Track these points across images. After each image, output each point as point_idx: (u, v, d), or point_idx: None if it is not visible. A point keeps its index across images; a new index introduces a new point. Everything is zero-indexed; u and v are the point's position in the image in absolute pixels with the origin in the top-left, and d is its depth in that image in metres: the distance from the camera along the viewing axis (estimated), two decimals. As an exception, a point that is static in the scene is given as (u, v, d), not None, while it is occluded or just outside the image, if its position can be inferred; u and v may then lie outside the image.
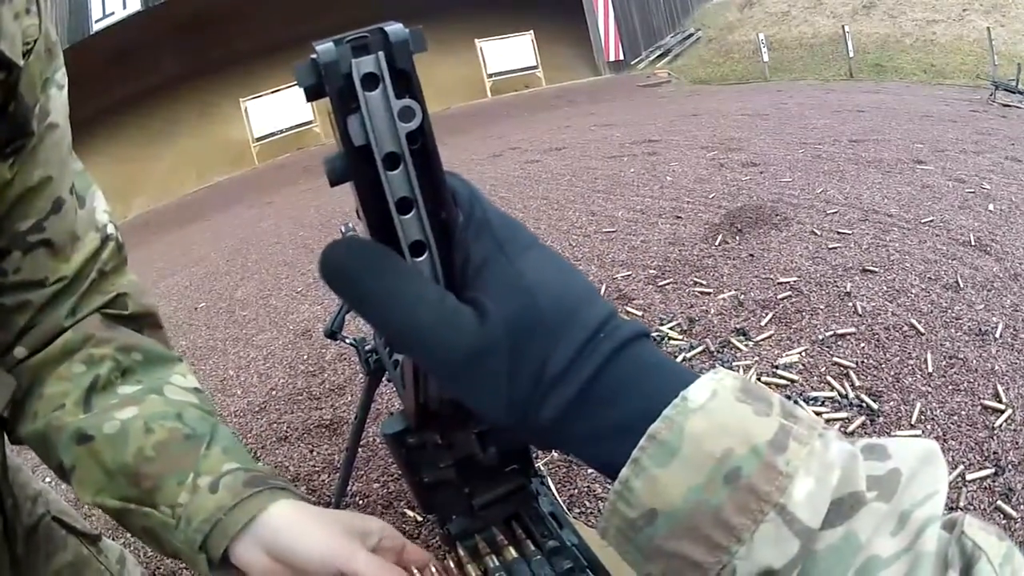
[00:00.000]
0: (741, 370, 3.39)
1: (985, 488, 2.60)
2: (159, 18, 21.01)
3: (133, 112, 23.26)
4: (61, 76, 1.13)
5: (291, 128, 21.32)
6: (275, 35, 23.78)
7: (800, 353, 3.51)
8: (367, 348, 2.03)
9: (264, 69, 22.78)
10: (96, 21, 20.50)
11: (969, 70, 16.51)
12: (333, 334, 2.08)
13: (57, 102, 1.10)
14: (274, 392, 4.60)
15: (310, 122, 21.34)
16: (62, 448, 1.00)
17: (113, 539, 1.48)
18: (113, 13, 20.57)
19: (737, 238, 5.26)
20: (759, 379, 3.32)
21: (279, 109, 21.06)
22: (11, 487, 1.18)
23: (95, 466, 0.98)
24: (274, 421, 4.19)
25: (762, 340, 3.72)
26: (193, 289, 8.00)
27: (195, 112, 23.05)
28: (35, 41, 1.02)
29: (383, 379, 2.24)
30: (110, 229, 1.20)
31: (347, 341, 2.10)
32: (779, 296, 4.17)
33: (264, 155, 20.90)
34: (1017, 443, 2.80)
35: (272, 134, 21.18)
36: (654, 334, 3.93)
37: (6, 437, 1.10)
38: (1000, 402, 3.01)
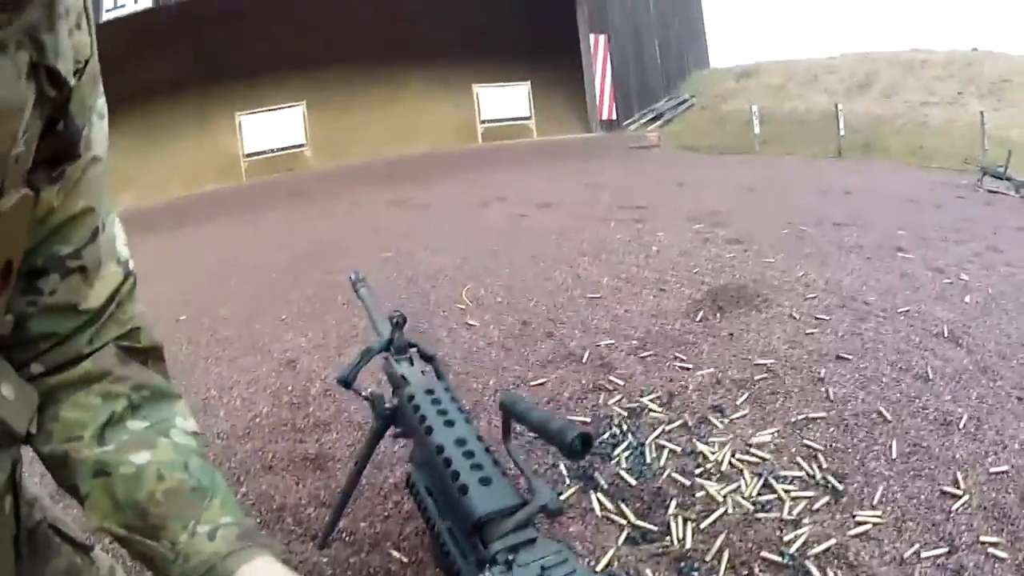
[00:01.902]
0: (716, 446, 3.58)
1: (938, 566, 2.77)
2: (169, 16, 21.13)
3: (134, 106, 23.12)
4: (102, 105, 1.20)
5: (283, 149, 21.43)
6: (280, 52, 23.84)
7: (772, 434, 3.67)
8: (386, 406, 1.93)
9: (264, 85, 22.89)
10: (107, 11, 20.58)
11: (958, 153, 16.69)
12: (347, 383, 2.01)
13: (99, 132, 1.18)
14: (258, 420, 4.59)
15: (301, 145, 21.42)
16: (80, 478, 1.13)
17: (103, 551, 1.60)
18: (124, 6, 20.69)
19: (718, 315, 5.42)
20: (733, 456, 3.48)
21: (273, 128, 21.14)
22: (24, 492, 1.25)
23: (108, 497, 1.12)
24: (258, 448, 4.19)
25: (737, 418, 3.87)
26: (175, 299, 7.94)
27: (193, 118, 23.12)
28: (87, 62, 1.07)
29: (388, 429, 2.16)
30: (131, 264, 1.31)
31: (363, 394, 2.00)
32: (756, 377, 4.32)
33: (252, 172, 21.04)
34: (971, 525, 2.98)
35: (263, 152, 21.33)
36: (635, 405, 4.13)
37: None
38: (958, 488, 3.20)
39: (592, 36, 23.41)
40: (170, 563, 1.09)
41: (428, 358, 1.89)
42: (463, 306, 6.24)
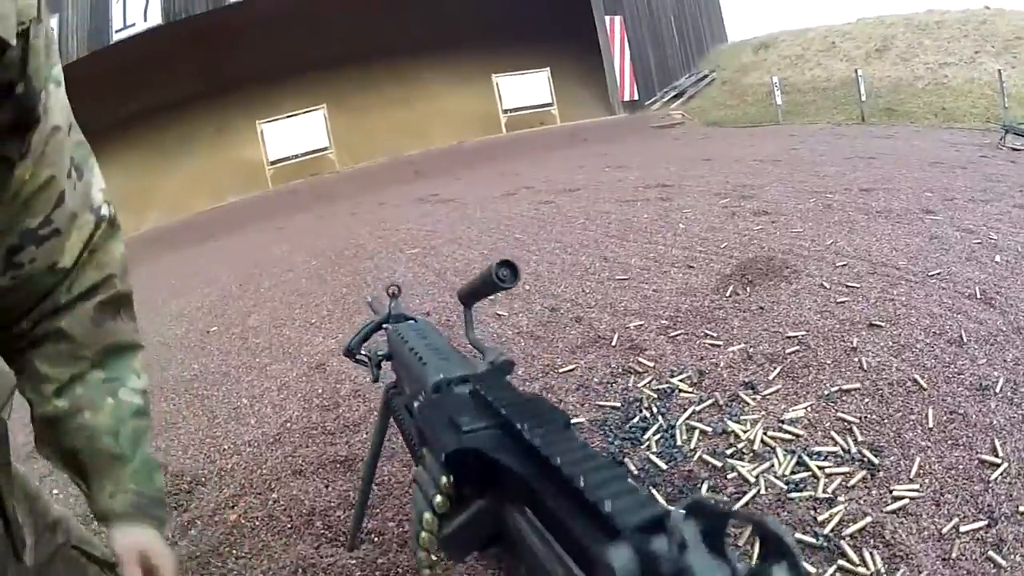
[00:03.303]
0: (748, 424, 3.50)
1: (977, 539, 2.67)
2: (180, 33, 21.33)
3: (149, 125, 23.42)
4: (58, 72, 1.22)
5: (306, 153, 21.66)
6: (294, 58, 23.90)
7: (806, 408, 3.58)
8: (379, 354, 2.11)
9: (281, 92, 23.01)
10: (117, 31, 20.95)
11: (980, 113, 16.56)
12: (351, 352, 2.20)
13: (56, 100, 1.22)
14: (288, 424, 4.62)
15: (325, 148, 21.48)
16: (34, 419, 1.37)
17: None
18: (134, 24, 21.03)
19: (748, 290, 5.34)
20: (765, 434, 3.40)
21: (295, 133, 21.39)
22: (22, 506, 1.40)
23: (51, 441, 1.39)
24: (289, 454, 4.21)
25: (769, 394, 3.79)
26: (205, 311, 8.04)
27: (211, 130, 23.24)
28: (31, 22, 1.06)
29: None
30: (104, 210, 1.40)
31: (360, 355, 2.19)
32: (787, 350, 4.24)
33: (278, 178, 21.14)
34: (1011, 495, 2.87)
35: (287, 158, 21.56)
36: (665, 386, 4.05)
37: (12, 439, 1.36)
38: (997, 456, 3.08)
39: (608, 18, 23.32)
40: (87, 499, 1.40)
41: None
42: (492, 297, 6.17)
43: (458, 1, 24.81)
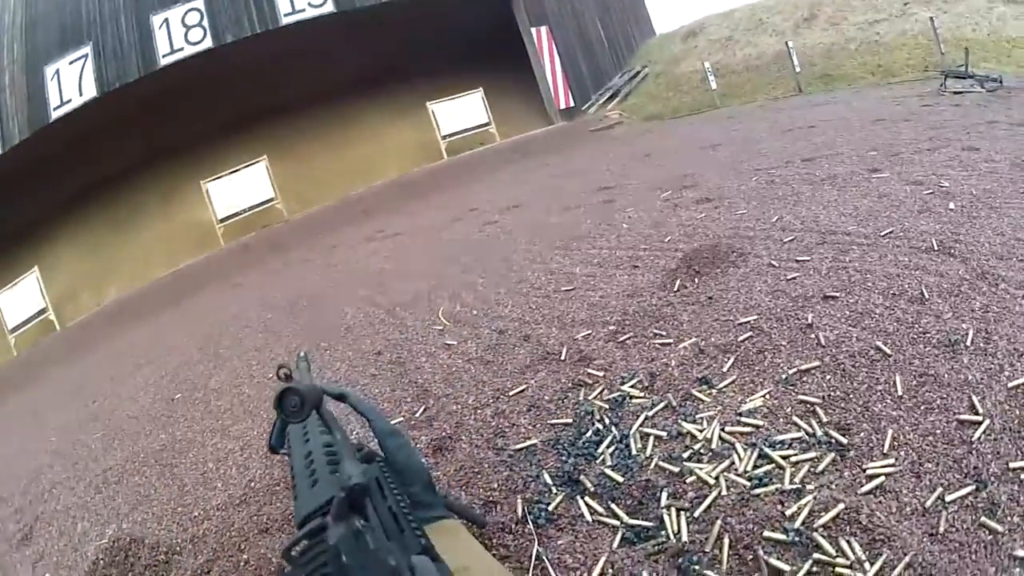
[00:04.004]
0: (704, 423, 3.34)
1: (967, 507, 2.51)
2: (116, 103, 21.43)
3: (98, 199, 23.67)
4: None
5: (253, 207, 21.84)
6: (228, 114, 24.08)
7: (764, 396, 3.42)
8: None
9: (222, 148, 23.30)
10: (55, 108, 21.02)
11: (916, 64, 16.71)
12: (274, 450, 2.04)
13: None
14: (252, 484, 4.54)
15: (271, 199, 21.69)
16: None
17: None
18: (71, 100, 21.10)
19: (696, 281, 5.19)
20: (723, 430, 3.24)
21: (239, 188, 21.71)
22: None
23: None
24: (254, 513, 4.14)
25: (725, 387, 3.63)
26: (168, 380, 8.02)
27: (158, 196, 23.60)
28: None
29: None
30: None
31: (283, 451, 2.01)
32: (740, 338, 4.08)
33: (229, 235, 21.38)
34: (999, 452, 2.71)
35: (236, 214, 21.74)
36: (616, 395, 3.89)
37: None
38: (976, 413, 2.92)
39: (534, 30, 23.39)
40: None
41: (337, 396, 1.83)
42: (440, 327, 6.14)
43: (389, 35, 24.88)
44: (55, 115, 21.01)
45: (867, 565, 2.35)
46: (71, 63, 21.27)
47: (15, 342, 20.52)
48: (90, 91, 21.11)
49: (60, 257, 22.92)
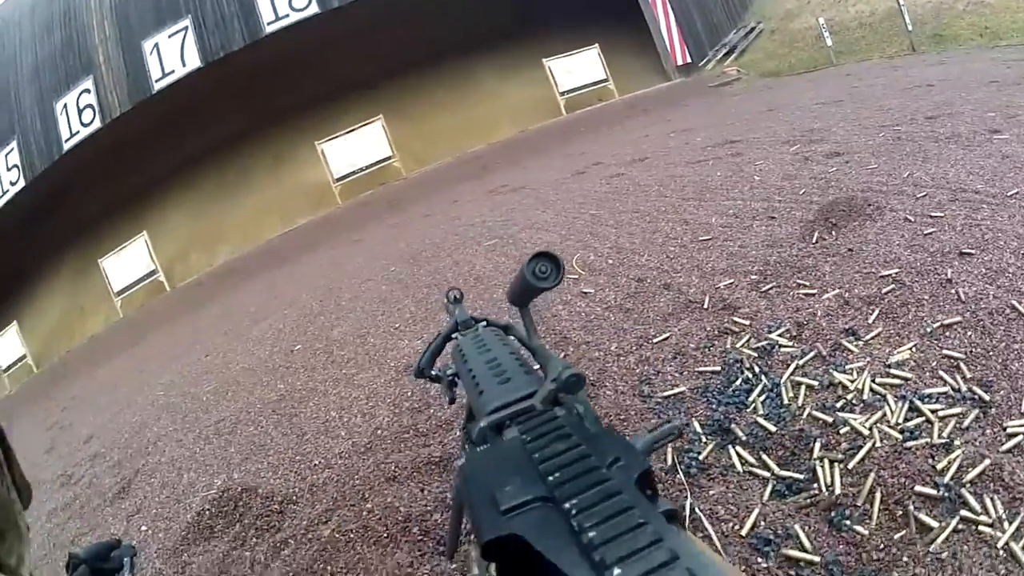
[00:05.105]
0: (855, 373, 3.36)
1: None
2: (221, 72, 21.59)
3: (207, 165, 23.82)
4: None
5: (370, 165, 21.79)
6: (340, 78, 24.01)
7: (911, 349, 3.42)
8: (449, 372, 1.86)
9: (335, 111, 23.24)
10: (157, 80, 21.29)
11: (1019, 28, 16.09)
12: (420, 373, 1.93)
13: None
14: (379, 432, 4.60)
15: (389, 157, 21.58)
16: None
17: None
18: (173, 71, 21.32)
19: (834, 233, 5.18)
20: (874, 381, 3.25)
21: (356, 148, 21.51)
22: None
23: None
24: (381, 461, 4.19)
25: (871, 339, 3.63)
26: (287, 332, 8.15)
27: (269, 159, 23.68)
28: None
29: None
30: None
31: (432, 374, 1.90)
32: (883, 290, 4.08)
33: (346, 194, 21.45)
34: None
35: (352, 173, 21.77)
36: (764, 344, 3.93)
37: None
38: None
39: (648, -15, 22.96)
40: None
41: (503, 328, 1.76)
42: (576, 275, 6.16)
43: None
44: (157, 87, 21.41)
45: (1006, 524, 2.36)
46: (170, 36, 21.62)
47: (121, 304, 21.11)
48: (193, 62, 21.46)
49: (169, 221, 23.39)
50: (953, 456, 2.69)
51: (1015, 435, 2.70)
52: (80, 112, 21.75)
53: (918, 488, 2.60)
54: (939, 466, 2.67)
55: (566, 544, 0.66)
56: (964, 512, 2.45)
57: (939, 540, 2.38)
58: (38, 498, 6.66)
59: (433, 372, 1.90)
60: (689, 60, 23.02)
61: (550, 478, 0.76)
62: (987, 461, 2.61)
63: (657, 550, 0.60)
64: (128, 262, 21.23)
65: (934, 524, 2.44)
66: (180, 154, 23.88)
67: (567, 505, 0.70)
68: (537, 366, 1.26)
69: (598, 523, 0.65)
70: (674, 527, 0.69)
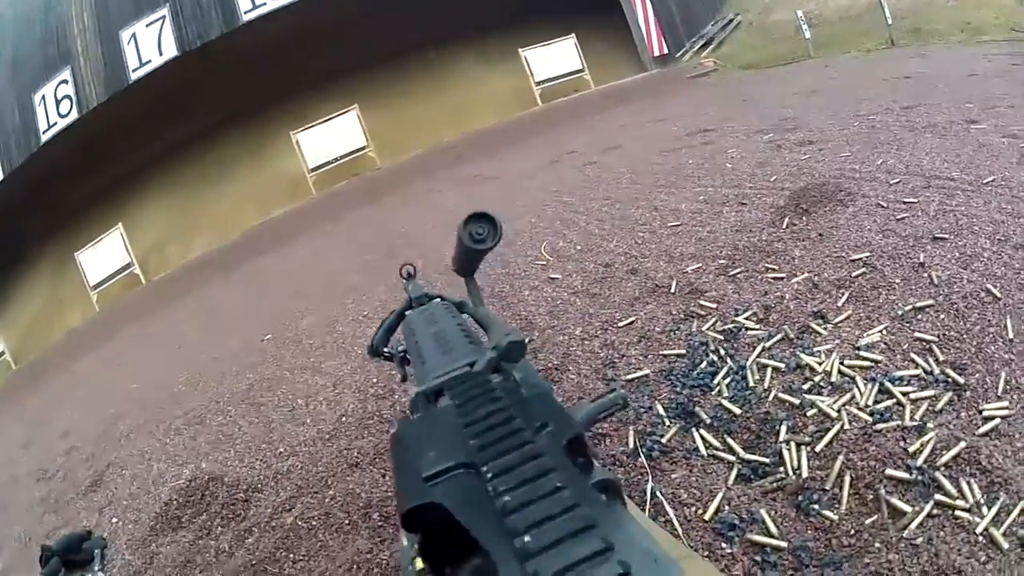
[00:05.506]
0: (823, 356, 3.31)
1: None
2: (198, 61, 21.32)
3: (184, 156, 23.70)
4: None
5: (345, 156, 21.53)
6: (317, 67, 23.98)
7: (881, 332, 3.38)
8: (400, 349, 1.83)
9: (310, 100, 23.11)
10: (134, 70, 21.01)
11: (1002, 24, 16.17)
12: (374, 351, 1.90)
13: None
14: (344, 419, 4.61)
15: (364, 147, 21.50)
16: None
17: None
18: (150, 61, 21.07)
19: (804, 219, 5.14)
20: (842, 363, 3.20)
21: (330, 137, 21.39)
22: None
23: None
24: (344, 448, 4.20)
25: (841, 322, 3.59)
26: (260, 322, 8.13)
27: (246, 149, 23.46)
28: None
29: None
30: None
31: (385, 352, 1.87)
32: (853, 274, 4.04)
33: (321, 184, 21.26)
34: None
35: (327, 163, 21.50)
36: (730, 326, 3.88)
37: None
38: None
39: (624, -26, 22.93)
40: None
41: (457, 304, 1.67)
42: (544, 262, 6.17)
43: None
44: (134, 76, 21.15)
45: (984, 509, 2.31)
46: (148, 25, 21.32)
47: (96, 298, 20.85)
48: (170, 51, 21.16)
49: (147, 213, 23.10)
50: (926, 439, 2.65)
51: (991, 418, 2.66)
52: (58, 103, 21.57)
53: (889, 471, 2.55)
54: (911, 449, 2.63)
55: (485, 512, 0.60)
56: (939, 496, 2.41)
57: (912, 525, 2.34)
58: (16, 494, 6.79)
59: (385, 351, 1.87)
60: (666, 51, 23.00)
61: (471, 442, 0.70)
62: (962, 444, 2.58)
63: (572, 519, 0.54)
64: (104, 255, 20.92)
65: (907, 508, 2.41)
66: (159, 144, 23.72)
67: (484, 469, 0.64)
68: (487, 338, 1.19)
69: (513, 487, 0.60)
70: (603, 496, 0.65)
